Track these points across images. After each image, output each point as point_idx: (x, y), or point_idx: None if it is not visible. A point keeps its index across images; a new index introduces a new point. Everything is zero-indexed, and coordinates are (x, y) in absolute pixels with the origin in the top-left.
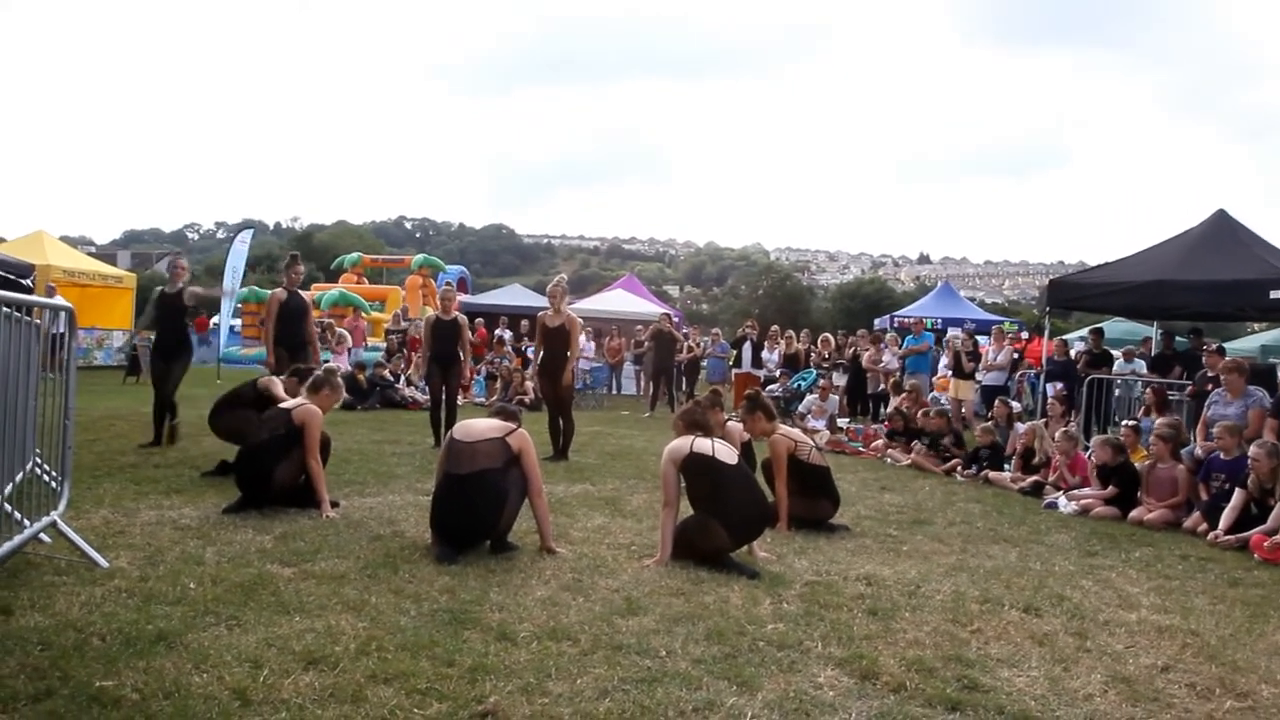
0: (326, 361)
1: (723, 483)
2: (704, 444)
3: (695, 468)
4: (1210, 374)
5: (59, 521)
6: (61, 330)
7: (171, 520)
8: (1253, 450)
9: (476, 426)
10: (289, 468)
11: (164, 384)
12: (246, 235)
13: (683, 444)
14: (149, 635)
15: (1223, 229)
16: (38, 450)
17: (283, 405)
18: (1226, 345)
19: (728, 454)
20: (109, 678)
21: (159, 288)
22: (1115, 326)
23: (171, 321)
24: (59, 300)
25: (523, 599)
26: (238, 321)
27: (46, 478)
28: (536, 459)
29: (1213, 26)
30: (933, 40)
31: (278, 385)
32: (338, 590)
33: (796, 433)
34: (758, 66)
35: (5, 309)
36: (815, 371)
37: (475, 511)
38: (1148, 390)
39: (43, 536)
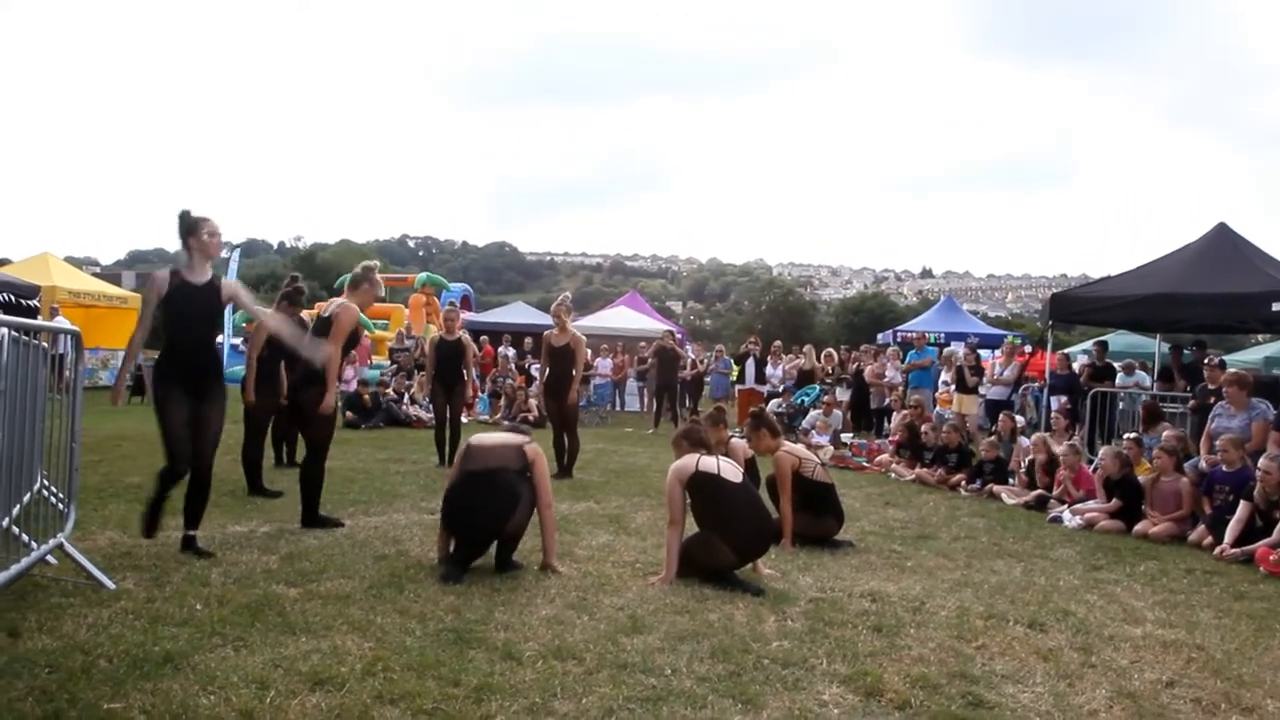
0: None
1: (728, 501)
2: (709, 462)
3: (701, 486)
4: (1210, 387)
5: (66, 543)
6: (65, 351)
7: (178, 541)
8: (1263, 462)
9: (492, 436)
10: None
11: (188, 441)
12: (236, 254)
13: (688, 462)
14: (156, 657)
15: (1224, 242)
16: (44, 472)
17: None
18: (1231, 357)
19: (733, 472)
20: (117, 700)
21: (164, 270)
22: (1118, 339)
23: (197, 329)
24: (65, 324)
25: (527, 618)
26: (240, 340)
27: (53, 499)
28: (548, 473)
29: (1216, 37)
30: (934, 55)
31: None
32: (343, 610)
33: (801, 449)
34: (759, 82)
35: (12, 332)
36: (819, 387)
37: (488, 507)
38: (1144, 401)
39: (49, 558)
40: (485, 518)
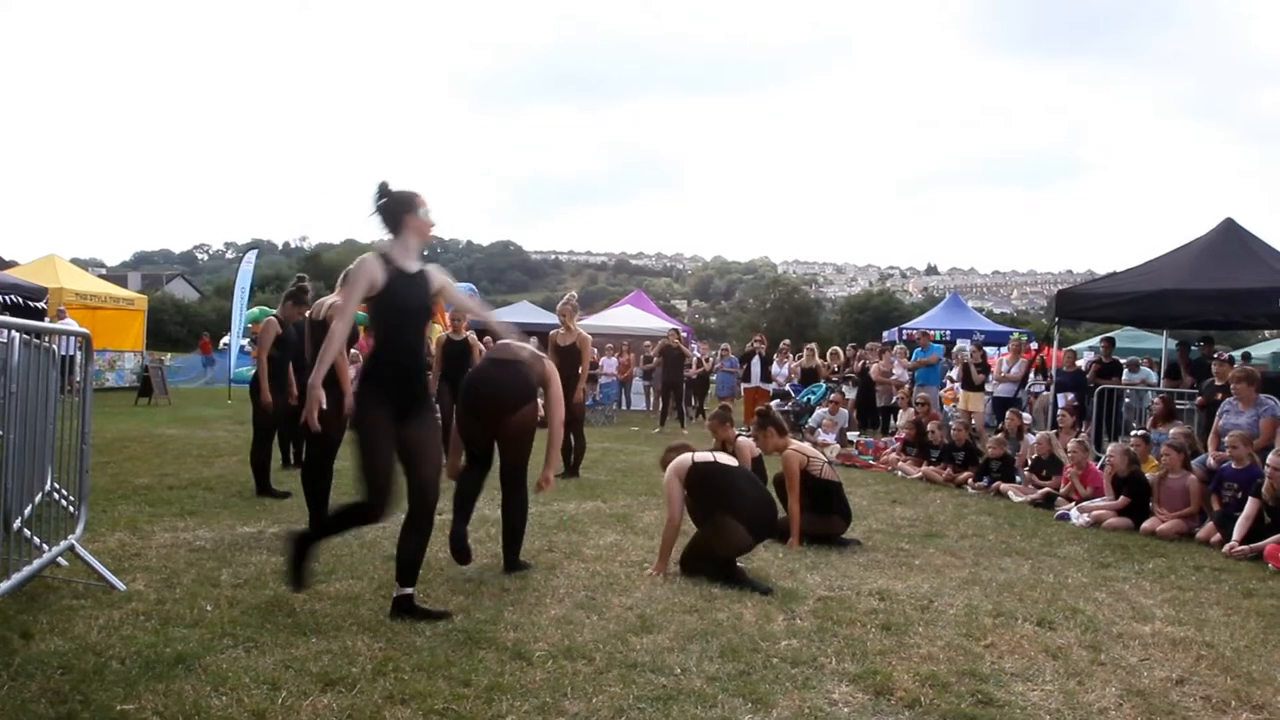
0: None
1: (731, 482)
2: (704, 455)
3: (701, 476)
4: (1218, 383)
5: (76, 545)
6: (73, 353)
7: (187, 542)
8: (1271, 458)
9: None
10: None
11: (397, 475)
12: (252, 256)
13: (684, 459)
14: (168, 658)
15: (1230, 237)
16: (54, 474)
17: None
18: (1238, 353)
19: (728, 459)
20: (129, 701)
21: (372, 255)
22: (1124, 335)
23: (415, 329)
24: (76, 326)
25: (537, 618)
26: (247, 341)
27: (63, 501)
28: (561, 392)
29: (1224, 33)
30: (939, 53)
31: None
32: (353, 611)
33: (808, 448)
34: (764, 81)
35: (22, 335)
36: (825, 385)
37: (505, 391)
38: (1156, 400)
39: (60, 560)
40: (503, 394)
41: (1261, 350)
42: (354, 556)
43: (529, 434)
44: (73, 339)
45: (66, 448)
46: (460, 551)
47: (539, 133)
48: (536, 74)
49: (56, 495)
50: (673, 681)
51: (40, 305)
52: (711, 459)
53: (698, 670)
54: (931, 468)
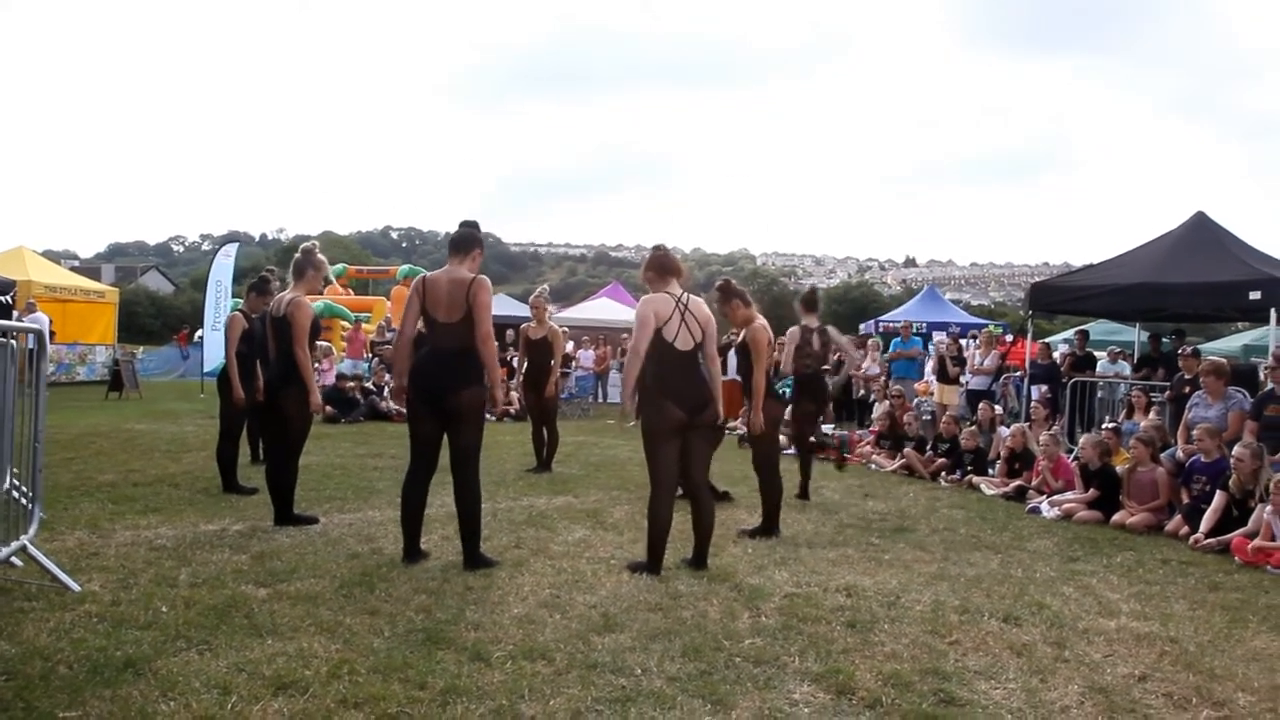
0: None
1: (672, 368)
2: (671, 329)
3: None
4: (1186, 377)
5: (29, 545)
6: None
7: (147, 541)
8: (1236, 450)
9: (443, 287)
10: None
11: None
12: (231, 249)
13: (663, 309)
14: (117, 662)
15: (1202, 231)
16: (14, 470)
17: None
18: (1209, 345)
19: (686, 340)
20: (74, 708)
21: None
22: (1097, 326)
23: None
24: (28, 322)
25: (499, 617)
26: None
27: (23, 500)
28: (489, 304)
29: (1201, 29)
30: (921, 48)
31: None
32: (312, 611)
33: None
34: (744, 75)
35: None
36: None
37: (450, 377)
38: (1134, 391)
39: (14, 560)
40: (444, 385)
41: (1233, 343)
42: (317, 555)
43: (479, 414)
44: (30, 335)
45: (26, 444)
46: (413, 545)
47: (520, 125)
48: (519, 67)
49: (16, 494)
50: (632, 682)
51: (7, 299)
52: (670, 340)
53: (658, 670)
54: (911, 451)
